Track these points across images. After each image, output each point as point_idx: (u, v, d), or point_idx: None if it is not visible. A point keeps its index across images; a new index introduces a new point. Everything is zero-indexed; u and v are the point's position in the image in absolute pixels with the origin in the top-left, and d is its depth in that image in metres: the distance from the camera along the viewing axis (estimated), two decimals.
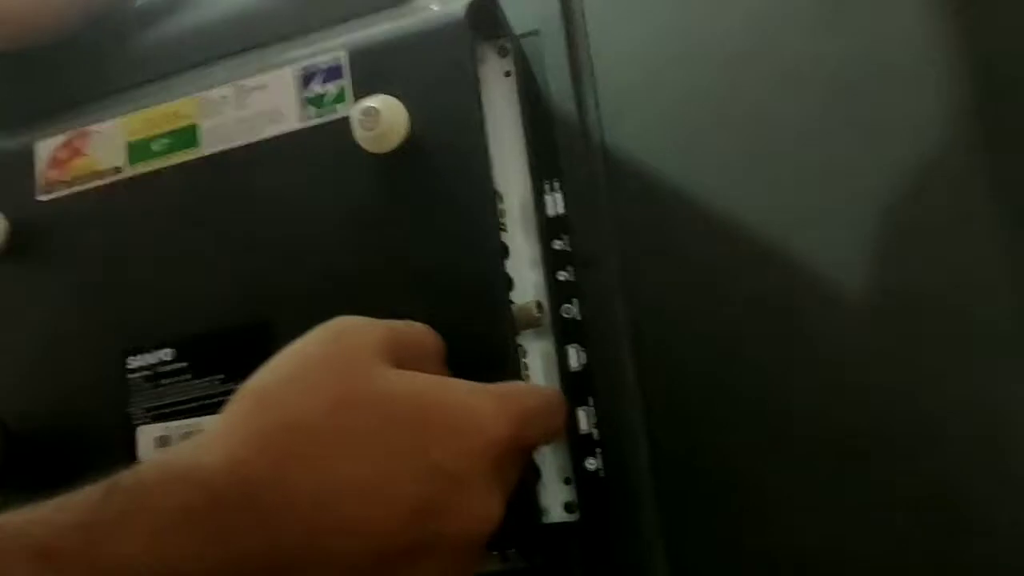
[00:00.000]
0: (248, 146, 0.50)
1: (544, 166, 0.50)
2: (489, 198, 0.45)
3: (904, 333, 0.44)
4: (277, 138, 0.49)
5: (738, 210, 0.48)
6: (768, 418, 0.46)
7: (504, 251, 0.47)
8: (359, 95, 0.47)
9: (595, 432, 0.48)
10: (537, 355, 0.47)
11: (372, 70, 0.48)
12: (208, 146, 0.51)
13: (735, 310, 0.47)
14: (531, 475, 0.44)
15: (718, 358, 0.47)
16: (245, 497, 0.33)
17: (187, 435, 0.48)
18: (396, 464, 0.34)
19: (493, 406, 0.37)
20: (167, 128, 0.52)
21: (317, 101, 0.49)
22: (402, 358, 0.38)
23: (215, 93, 0.51)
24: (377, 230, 0.46)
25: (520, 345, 0.46)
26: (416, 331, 0.41)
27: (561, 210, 0.50)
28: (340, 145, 0.47)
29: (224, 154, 0.50)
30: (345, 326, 0.38)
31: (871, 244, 0.45)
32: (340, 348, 0.37)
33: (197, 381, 0.48)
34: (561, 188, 0.50)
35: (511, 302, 0.45)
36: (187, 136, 0.51)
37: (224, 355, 0.48)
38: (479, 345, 0.44)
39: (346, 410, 0.35)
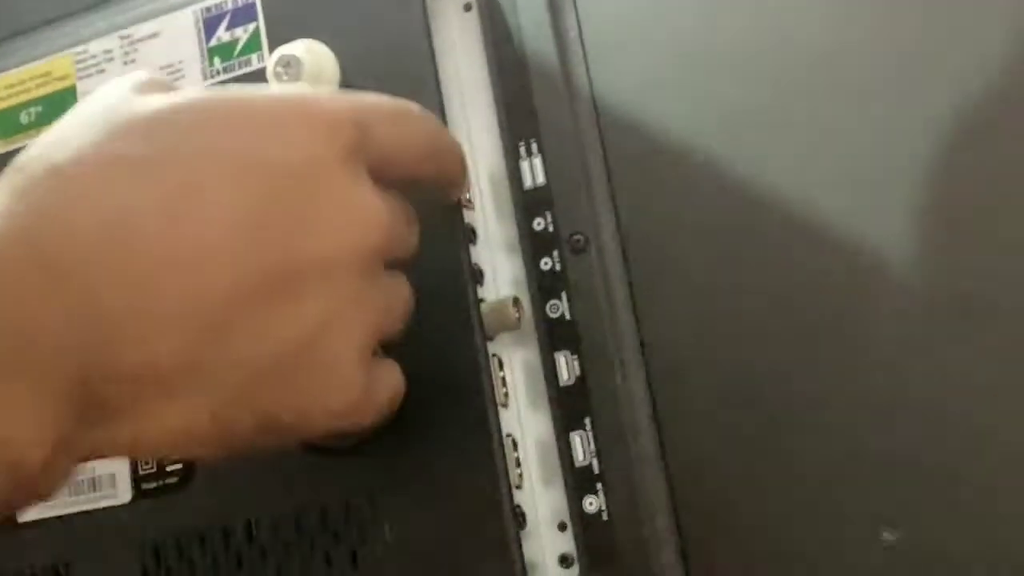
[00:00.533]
0: None
1: (518, 124, 0.45)
2: None
3: (953, 338, 0.39)
4: None
5: (765, 173, 0.43)
6: (807, 436, 0.41)
7: (469, 235, 0.43)
8: (276, 42, 0.43)
9: (595, 463, 0.43)
10: (518, 367, 0.43)
11: (291, 8, 0.44)
12: None
13: (761, 302, 0.42)
14: (510, 522, 0.40)
15: (743, 364, 0.42)
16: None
17: (77, 485, 0.44)
18: (213, 171, 0.29)
19: (324, 94, 0.34)
20: (38, 94, 0.48)
21: (225, 51, 0.45)
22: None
23: (96, 46, 0.47)
24: None
25: (494, 355, 0.42)
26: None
27: (541, 180, 0.45)
28: None
29: None
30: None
31: (924, 228, 0.41)
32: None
33: None
34: (540, 152, 0.45)
35: (480, 300, 0.42)
36: (63, 102, 0.47)
37: None
38: (441, 357, 0.41)
39: (128, 130, 0.30)
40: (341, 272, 0.31)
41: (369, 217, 0.32)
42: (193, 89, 0.33)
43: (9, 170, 0.29)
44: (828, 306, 0.41)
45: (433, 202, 0.40)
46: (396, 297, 0.35)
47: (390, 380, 0.36)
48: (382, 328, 0.34)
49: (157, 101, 0.30)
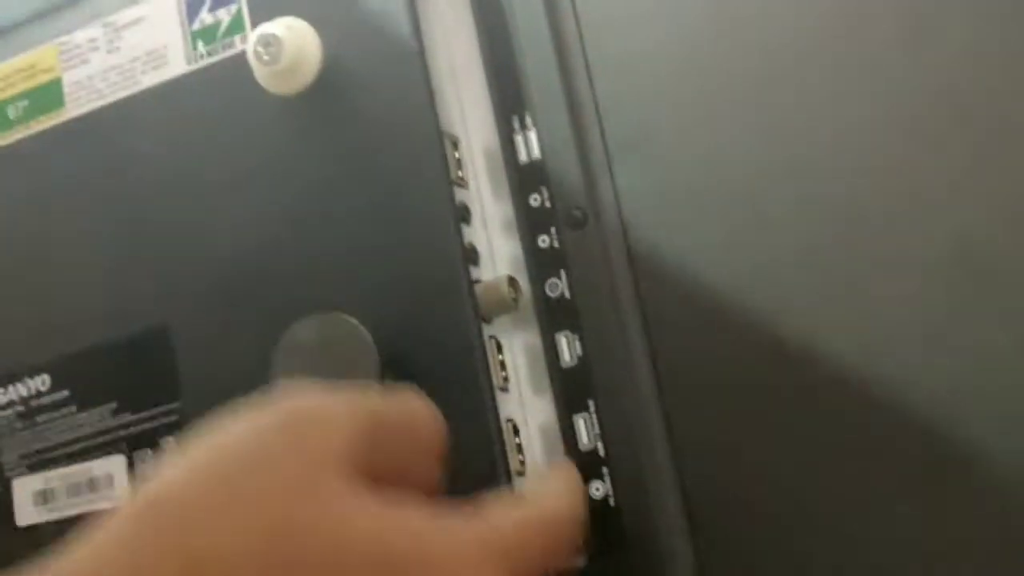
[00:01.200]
0: (125, 101, 0.47)
1: (510, 97, 0.45)
2: (436, 144, 0.42)
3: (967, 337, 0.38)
4: (161, 87, 0.46)
5: (773, 141, 0.42)
6: (819, 418, 0.40)
7: (463, 213, 0.43)
8: (259, 22, 0.43)
9: (600, 447, 0.42)
10: (519, 350, 0.43)
11: None
12: (75, 105, 0.48)
13: (770, 273, 0.41)
14: None
15: (757, 342, 0.41)
16: None
17: (74, 486, 0.45)
18: None
19: (476, 555, 0.31)
20: (24, 87, 0.48)
21: (208, 34, 0.45)
22: (380, 461, 0.32)
23: (79, 36, 0.48)
24: (296, 199, 0.43)
25: (492, 338, 0.42)
26: (405, 413, 0.35)
27: (536, 154, 0.44)
28: (241, 89, 0.43)
29: (96, 114, 0.47)
30: (303, 411, 0.32)
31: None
32: (290, 448, 0.31)
33: (83, 414, 0.45)
34: (534, 124, 0.45)
35: (474, 281, 0.42)
36: (49, 95, 0.48)
37: (114, 377, 0.45)
38: (436, 343, 0.41)
39: (282, 544, 0.29)
40: None
41: None
42: (379, 513, 0.31)
43: (147, 512, 0.29)
44: (841, 275, 0.40)
45: (421, 181, 0.41)
46: None
47: None
48: None
49: (342, 515, 0.30)
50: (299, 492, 0.30)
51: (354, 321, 0.39)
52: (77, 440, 0.45)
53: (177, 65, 0.45)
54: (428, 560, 0.30)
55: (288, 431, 0.31)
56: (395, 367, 0.39)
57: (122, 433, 0.44)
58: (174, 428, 0.43)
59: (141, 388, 0.44)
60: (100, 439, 0.45)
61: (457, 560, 0.31)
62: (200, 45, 0.44)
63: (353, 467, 0.31)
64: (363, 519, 0.30)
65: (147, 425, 0.44)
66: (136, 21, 0.46)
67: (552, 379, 0.42)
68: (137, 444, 0.44)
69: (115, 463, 0.44)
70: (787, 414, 0.40)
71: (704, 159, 0.42)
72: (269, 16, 0.42)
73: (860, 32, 0.41)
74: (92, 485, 0.44)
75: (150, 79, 0.46)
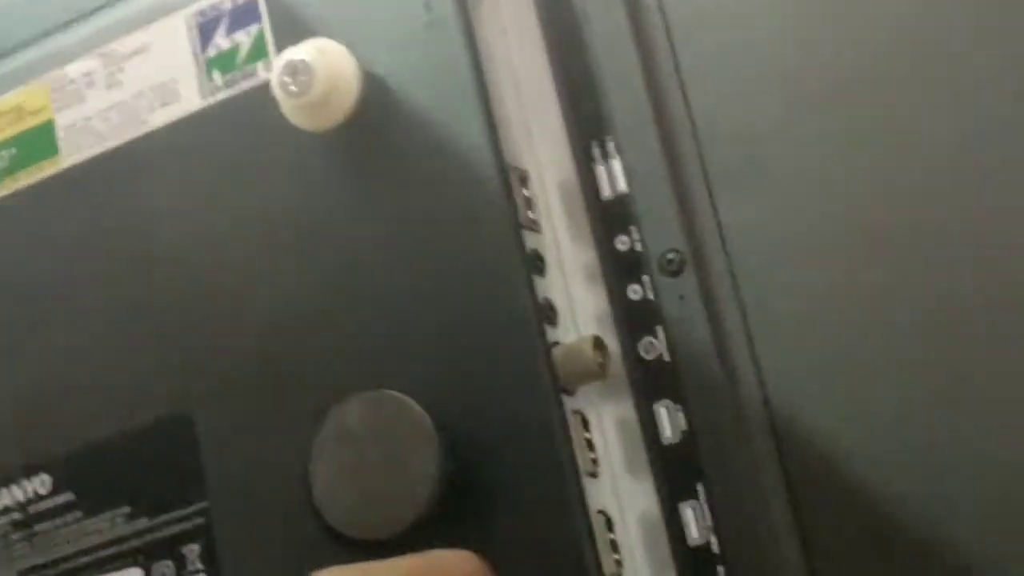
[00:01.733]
0: (130, 145, 0.48)
1: (588, 120, 0.46)
2: (500, 181, 0.43)
3: None
4: (172, 127, 0.48)
5: (892, 172, 0.43)
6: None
7: (535, 263, 0.44)
8: (285, 45, 0.45)
9: (713, 541, 0.43)
10: (610, 425, 0.45)
11: (299, 5, 0.46)
12: (71, 151, 0.50)
13: (901, 320, 0.42)
14: None
15: (897, 404, 0.42)
16: None
17: None
18: None
19: None
20: (11, 133, 0.51)
21: (225, 62, 0.47)
22: None
23: (73, 69, 0.50)
24: (335, 257, 0.45)
25: (576, 412, 0.43)
26: None
27: (622, 187, 0.46)
28: (267, 126, 0.45)
29: (96, 162, 0.49)
30: None
31: None
32: None
33: (91, 520, 0.47)
34: (619, 152, 0.46)
35: (552, 344, 0.43)
36: (40, 140, 0.50)
37: (127, 475, 0.47)
38: (508, 421, 0.42)
39: None
40: None
41: None
42: None
43: None
44: (979, 316, 0.41)
45: (482, 227, 0.42)
46: None
47: None
48: None
49: None
50: None
51: (407, 399, 0.41)
52: (85, 552, 0.47)
53: (190, 100, 0.47)
54: None
55: None
56: (460, 454, 0.41)
57: (137, 543, 0.46)
58: (199, 534, 0.45)
59: (159, 488, 0.46)
60: (112, 549, 0.46)
61: None
62: (216, 75, 0.47)
63: None
64: None
65: (167, 531, 0.45)
66: (140, 50, 0.48)
67: (652, 460, 0.43)
68: (156, 554, 0.45)
69: None
70: (943, 497, 0.41)
71: (825, 187, 0.43)
72: (297, 38, 0.44)
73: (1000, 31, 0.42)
74: None
75: (159, 118, 0.48)
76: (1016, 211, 0.41)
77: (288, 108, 0.43)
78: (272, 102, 0.44)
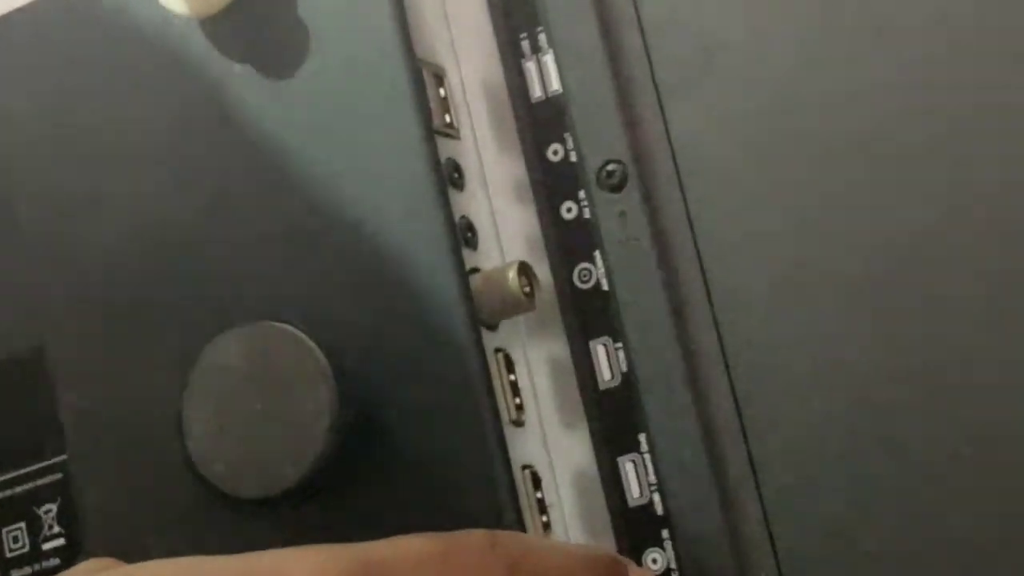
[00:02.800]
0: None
1: (516, 9, 0.45)
2: (408, 78, 0.41)
3: None
4: (33, 9, 0.46)
5: (884, 58, 0.41)
6: (944, 448, 0.39)
7: (451, 174, 0.42)
8: None
9: (656, 501, 0.42)
10: (538, 364, 0.43)
11: None
12: None
13: (877, 241, 0.40)
14: None
15: (856, 335, 0.40)
16: None
17: None
18: None
19: (303, 562, 0.34)
20: None
21: None
22: None
23: None
24: (215, 162, 0.43)
25: (499, 351, 0.42)
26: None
27: (556, 87, 0.44)
28: (141, 12, 0.44)
29: None
30: None
31: None
32: None
33: None
34: (551, 45, 0.44)
35: (471, 270, 0.41)
36: None
37: None
38: (416, 360, 0.40)
39: None
40: None
41: None
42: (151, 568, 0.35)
43: None
44: (952, 245, 0.40)
45: (387, 132, 0.40)
46: None
47: None
48: None
49: None
50: None
51: (296, 332, 0.39)
52: None
53: None
54: None
55: None
56: (359, 398, 0.38)
57: None
58: (56, 492, 0.44)
59: (8, 439, 0.44)
60: None
61: None
62: None
63: None
64: None
65: (18, 489, 0.44)
66: None
67: (587, 406, 0.43)
68: (7, 516, 0.45)
69: None
70: (911, 444, 0.39)
71: (792, 92, 0.42)
72: None
73: None
74: None
75: (6, 3, 0.47)
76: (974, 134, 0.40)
77: None
78: None
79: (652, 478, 0.42)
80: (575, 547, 0.41)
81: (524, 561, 0.37)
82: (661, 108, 0.43)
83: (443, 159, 0.41)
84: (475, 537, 0.37)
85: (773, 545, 0.41)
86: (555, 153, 0.44)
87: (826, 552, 0.41)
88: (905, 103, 0.41)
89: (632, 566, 0.41)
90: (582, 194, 0.44)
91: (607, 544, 0.42)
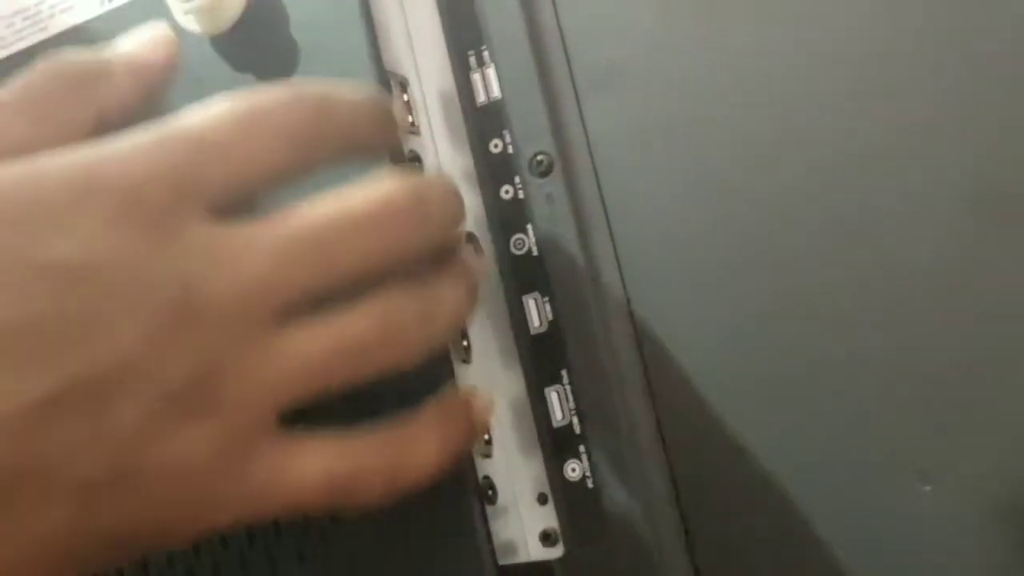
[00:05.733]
0: (31, 51, 0.48)
1: (465, 28, 0.46)
2: (380, 86, 0.42)
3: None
4: (71, 33, 0.47)
5: (769, 62, 0.42)
6: (830, 393, 0.41)
7: (414, 164, 0.44)
8: None
9: (575, 422, 0.44)
10: (481, 316, 0.44)
11: None
12: None
13: (771, 219, 0.42)
14: (475, 497, 0.42)
15: (750, 299, 0.42)
16: None
17: None
18: None
19: (127, 144, 0.32)
20: None
21: None
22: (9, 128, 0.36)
23: None
24: None
25: None
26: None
27: (496, 94, 0.46)
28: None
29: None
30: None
31: None
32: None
33: None
34: (492, 60, 0.46)
35: None
36: None
37: None
38: None
39: None
40: (145, 370, 0.31)
41: (192, 282, 0.31)
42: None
43: None
44: (843, 221, 0.41)
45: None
46: (299, 351, 0.33)
47: (312, 460, 0.34)
48: (273, 398, 0.33)
49: None
50: None
51: None
52: None
53: (89, 7, 0.46)
54: (69, 165, 0.31)
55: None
56: None
57: None
58: None
59: None
60: None
61: (110, 156, 0.32)
62: None
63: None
64: None
65: None
66: None
67: (520, 348, 0.44)
68: None
69: None
70: (785, 380, 0.41)
71: (685, 94, 0.43)
72: None
73: None
74: None
75: (58, 24, 0.47)
76: (875, 118, 0.41)
77: (178, 13, 0.43)
78: (164, 8, 0.43)
79: (572, 405, 0.43)
80: (359, 93, 0.37)
81: (324, 110, 0.35)
82: (580, 109, 0.44)
83: (407, 151, 0.42)
84: (277, 95, 0.34)
85: (667, 455, 0.42)
86: (495, 146, 0.45)
87: (711, 460, 0.42)
88: (800, 97, 0.42)
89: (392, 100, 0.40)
90: (517, 179, 0.45)
91: (536, 456, 0.43)
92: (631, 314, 0.44)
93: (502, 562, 0.42)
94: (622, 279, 0.44)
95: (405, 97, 0.44)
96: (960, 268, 0.39)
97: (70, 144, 0.32)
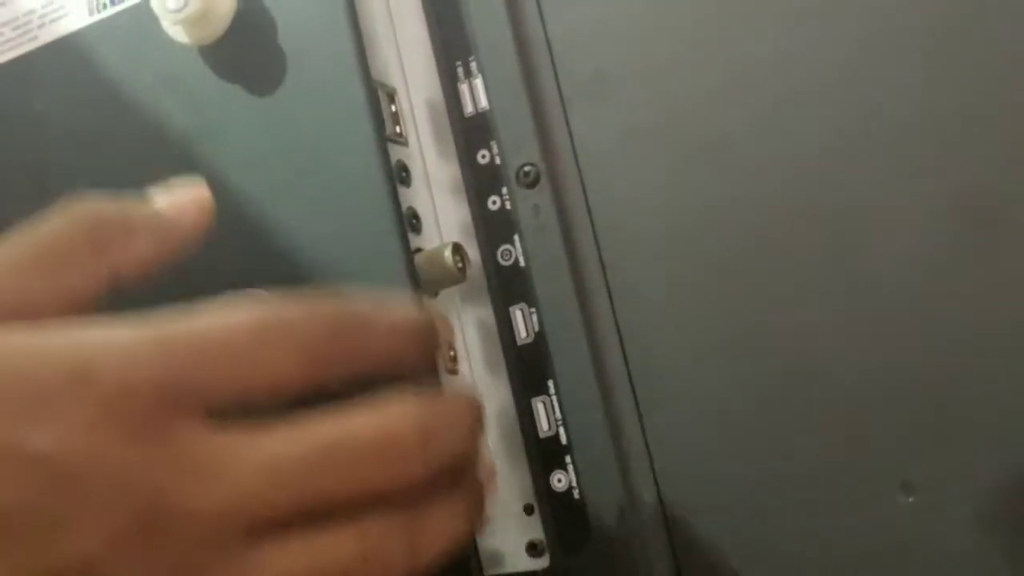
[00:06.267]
0: (21, 60, 0.48)
1: (452, 40, 0.46)
2: (367, 96, 0.42)
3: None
4: (61, 43, 0.47)
5: (753, 74, 0.42)
6: (813, 399, 0.41)
7: (401, 174, 0.44)
8: None
9: (562, 433, 0.44)
10: (470, 326, 0.45)
11: None
12: None
13: (756, 229, 0.42)
14: None
15: (735, 309, 0.42)
16: None
17: None
18: None
19: (129, 338, 0.31)
20: None
21: None
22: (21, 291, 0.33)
23: None
24: (210, 163, 0.45)
25: None
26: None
27: (484, 105, 0.46)
28: (148, 41, 0.45)
29: None
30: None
31: None
32: None
33: None
34: (480, 71, 0.46)
35: (415, 250, 0.43)
36: None
37: None
38: None
39: None
40: (108, 574, 0.30)
41: (167, 487, 0.30)
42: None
43: None
44: (828, 230, 0.41)
45: (350, 139, 0.42)
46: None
47: None
48: None
49: None
50: None
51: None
52: None
53: (78, 17, 0.46)
54: (55, 352, 0.30)
55: None
56: None
57: None
58: None
59: None
60: None
61: (99, 346, 0.30)
62: None
63: None
64: None
65: None
66: None
67: (507, 358, 0.44)
68: None
69: None
70: (770, 391, 0.41)
71: (670, 105, 0.43)
72: None
73: None
74: None
75: (48, 33, 0.47)
76: (860, 129, 0.41)
77: (167, 21, 0.43)
78: (153, 18, 0.43)
79: (558, 415, 0.43)
80: (403, 319, 0.35)
81: (350, 333, 0.33)
82: (567, 122, 0.44)
83: (394, 161, 0.43)
84: (303, 312, 0.33)
85: (652, 466, 0.42)
86: (483, 157, 0.45)
87: (696, 471, 0.42)
88: (780, 106, 0.41)
89: (441, 319, 0.37)
90: (504, 190, 0.45)
91: (522, 467, 0.43)
92: (617, 324, 0.43)
93: (488, 572, 0.42)
94: (608, 290, 0.44)
95: (393, 108, 0.44)
96: (948, 279, 0.39)
97: (80, 299, 0.33)
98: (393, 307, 0.34)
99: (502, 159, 0.45)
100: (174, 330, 0.31)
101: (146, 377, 0.30)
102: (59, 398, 0.30)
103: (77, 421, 0.30)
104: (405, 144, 0.44)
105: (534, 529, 0.43)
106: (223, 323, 0.32)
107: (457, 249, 0.43)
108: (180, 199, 0.37)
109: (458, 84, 0.46)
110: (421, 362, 0.35)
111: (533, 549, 0.43)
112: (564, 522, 0.43)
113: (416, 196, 0.44)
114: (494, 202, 0.45)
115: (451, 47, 0.46)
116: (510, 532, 0.43)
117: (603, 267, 0.44)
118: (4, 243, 0.34)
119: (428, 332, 0.35)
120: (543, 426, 0.44)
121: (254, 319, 0.32)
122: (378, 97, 0.43)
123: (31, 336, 0.31)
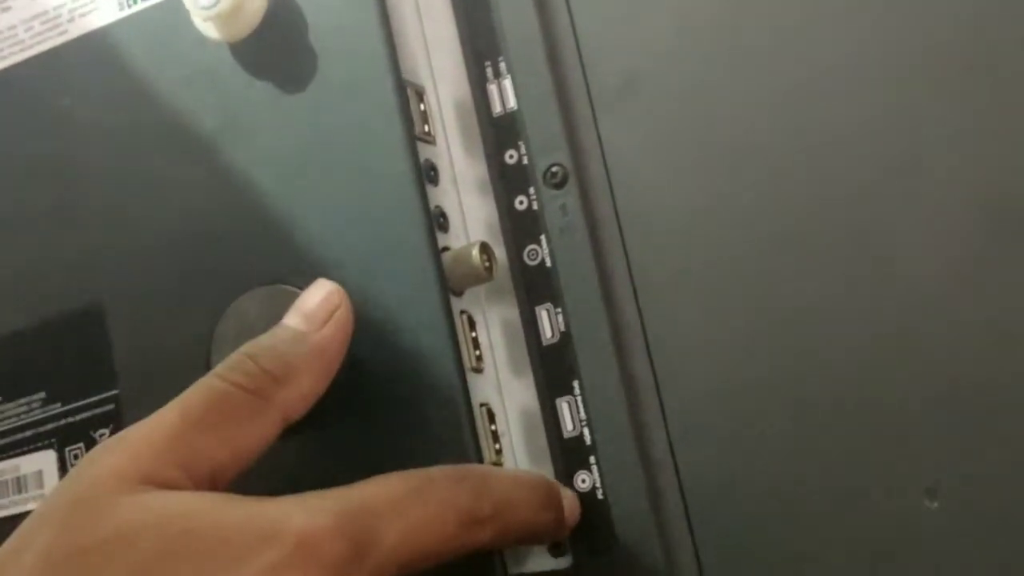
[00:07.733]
0: (51, 53, 0.48)
1: (482, 40, 0.46)
2: (396, 95, 0.42)
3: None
4: (90, 37, 0.47)
5: (769, 92, 0.42)
6: (840, 401, 0.40)
7: (429, 173, 0.43)
8: None
9: (586, 433, 0.43)
10: (496, 326, 0.44)
11: None
12: None
13: (783, 234, 0.42)
14: None
15: (760, 311, 0.42)
16: None
17: (1, 485, 0.47)
18: None
19: (300, 503, 0.34)
20: None
21: None
22: (201, 451, 0.36)
23: None
24: (241, 159, 0.44)
25: (463, 312, 0.43)
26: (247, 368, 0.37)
27: (512, 105, 0.46)
28: (179, 37, 0.45)
29: (18, 69, 0.48)
30: (92, 453, 0.36)
31: None
32: (70, 486, 0.34)
33: (8, 405, 0.47)
34: (509, 71, 0.45)
35: (442, 249, 0.43)
36: None
37: (43, 363, 0.47)
38: (399, 319, 0.42)
39: (57, 567, 0.32)
40: None
41: None
42: (163, 498, 0.34)
43: None
44: (856, 235, 0.41)
45: (379, 137, 0.42)
46: None
47: None
48: None
49: (119, 519, 0.33)
50: (70, 517, 0.33)
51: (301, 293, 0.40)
52: (2, 435, 0.47)
53: (108, 11, 0.46)
54: (225, 523, 0.33)
55: (75, 475, 0.35)
56: (352, 347, 0.40)
57: (52, 426, 0.45)
58: (110, 419, 0.44)
59: (73, 376, 0.45)
60: (28, 432, 0.46)
61: (267, 516, 0.33)
62: None
63: (135, 476, 0.34)
64: (141, 513, 0.33)
65: (80, 416, 0.45)
66: None
67: (532, 358, 0.44)
68: (69, 438, 0.45)
69: (45, 459, 0.45)
70: (795, 394, 0.41)
71: (699, 106, 0.43)
72: None
73: None
74: (20, 484, 0.46)
75: (78, 28, 0.47)
76: (889, 132, 0.40)
77: (199, 20, 0.43)
78: (184, 14, 0.43)
79: (583, 415, 0.43)
80: (522, 473, 0.41)
81: (485, 487, 0.38)
82: (595, 122, 0.44)
83: (422, 160, 0.42)
84: (443, 472, 0.38)
85: (676, 467, 0.42)
86: (511, 157, 0.45)
87: (721, 473, 0.41)
88: (809, 113, 0.41)
89: (564, 489, 0.42)
90: (531, 190, 0.44)
91: (546, 467, 0.43)
92: (643, 325, 0.43)
93: (512, 571, 0.42)
94: (634, 290, 0.43)
95: (422, 107, 0.44)
96: (972, 282, 0.39)
97: (256, 447, 0.36)
98: (521, 474, 0.40)
99: (530, 159, 0.45)
100: (345, 492, 0.35)
101: (331, 526, 0.33)
102: (249, 551, 0.32)
103: (264, 568, 0.32)
104: (433, 143, 0.44)
105: None
106: (385, 484, 0.36)
107: (484, 248, 0.42)
108: (317, 312, 0.39)
109: (487, 84, 0.46)
110: (552, 524, 0.40)
111: (556, 548, 0.42)
112: (588, 522, 0.43)
113: (444, 195, 0.44)
114: (521, 202, 0.45)
115: (480, 47, 0.46)
116: None
117: (629, 268, 0.44)
118: (178, 403, 0.36)
119: (554, 496, 0.41)
120: (567, 426, 0.43)
121: (407, 477, 0.36)
122: (407, 96, 0.42)
123: (220, 502, 0.34)
